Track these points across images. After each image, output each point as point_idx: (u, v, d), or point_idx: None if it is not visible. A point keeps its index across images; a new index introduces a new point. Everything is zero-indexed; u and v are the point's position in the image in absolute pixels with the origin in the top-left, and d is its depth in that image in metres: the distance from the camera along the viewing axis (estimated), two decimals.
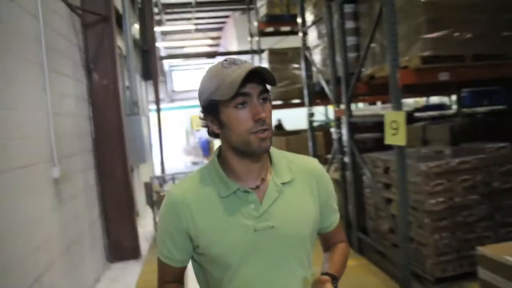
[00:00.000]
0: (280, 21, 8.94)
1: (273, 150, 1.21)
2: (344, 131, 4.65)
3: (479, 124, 5.21)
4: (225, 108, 1.08)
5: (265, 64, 8.60)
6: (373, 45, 4.00)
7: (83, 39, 4.75)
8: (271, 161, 1.20)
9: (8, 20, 2.85)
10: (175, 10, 12.76)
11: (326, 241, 1.35)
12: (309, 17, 5.69)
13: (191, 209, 1.13)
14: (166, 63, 20.23)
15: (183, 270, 1.23)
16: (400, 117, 3.28)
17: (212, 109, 1.11)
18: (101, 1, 4.92)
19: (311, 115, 5.79)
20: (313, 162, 1.28)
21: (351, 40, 4.53)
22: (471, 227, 3.58)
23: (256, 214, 1.12)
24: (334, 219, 1.32)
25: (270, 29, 9.51)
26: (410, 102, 12.44)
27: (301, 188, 1.20)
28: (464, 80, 4.00)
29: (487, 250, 2.94)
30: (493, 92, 6.79)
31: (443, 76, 3.43)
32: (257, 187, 1.15)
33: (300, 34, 5.78)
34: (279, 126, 11.36)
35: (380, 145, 4.17)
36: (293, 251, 1.17)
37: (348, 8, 4.55)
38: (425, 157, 3.81)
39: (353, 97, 4.43)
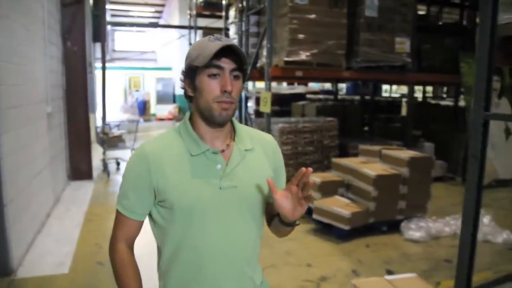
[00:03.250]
0: (215, 7, 10.86)
1: (236, 123, 1.33)
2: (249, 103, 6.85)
3: (333, 106, 7.69)
4: (200, 75, 1.20)
5: None
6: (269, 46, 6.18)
7: (61, 15, 6.47)
8: (234, 131, 1.32)
9: (29, 11, 4.64)
10: None
11: (273, 211, 1.38)
12: (232, 15, 7.75)
13: (163, 163, 1.22)
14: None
15: (138, 226, 1.30)
16: (268, 95, 5.49)
17: (190, 74, 1.23)
18: None
19: None
20: (269, 137, 1.43)
21: (254, 40, 6.68)
22: (307, 166, 5.93)
23: (222, 174, 1.23)
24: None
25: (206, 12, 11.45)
26: (315, 85, 15.11)
27: (260, 156, 1.33)
28: (312, 77, 6.30)
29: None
30: (364, 85, 9.30)
31: (298, 73, 5.69)
32: (223, 151, 1.27)
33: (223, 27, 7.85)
34: None
35: (278, 113, 6.38)
36: (251, 210, 1.29)
37: (254, 17, 6.68)
38: (287, 122, 6.11)
39: (249, 79, 6.61)
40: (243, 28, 6.66)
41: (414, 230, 4.63)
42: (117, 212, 1.29)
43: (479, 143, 2.33)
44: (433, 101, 11.79)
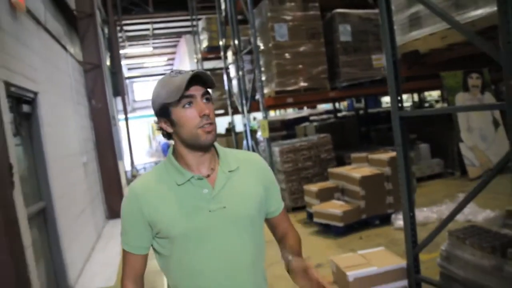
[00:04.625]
0: (217, 50, 11.93)
1: (218, 146, 1.41)
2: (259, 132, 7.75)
3: (331, 123, 8.49)
4: (175, 109, 1.27)
5: None
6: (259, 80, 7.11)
7: (85, 79, 7.60)
8: (218, 155, 1.39)
9: (60, 81, 5.71)
10: (136, 40, 15.58)
11: (275, 227, 1.54)
12: (230, 57, 8.77)
13: (151, 197, 1.31)
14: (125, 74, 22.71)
15: (142, 260, 1.39)
16: (265, 122, 6.37)
17: (164, 112, 1.30)
18: (95, 54, 7.79)
19: (230, 123, 8.91)
20: (256, 155, 1.51)
21: (250, 76, 7.63)
22: (309, 179, 6.74)
23: (209, 197, 1.31)
24: (279, 206, 1.52)
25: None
26: (326, 106, 15.95)
27: (246, 174, 1.40)
28: (302, 101, 7.17)
29: (306, 187, 6.09)
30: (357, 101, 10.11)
31: (289, 100, 6.57)
32: (208, 175, 1.34)
33: (224, 68, 8.88)
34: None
35: (284, 137, 7.27)
36: (244, 228, 1.34)
37: (248, 56, 7.65)
38: (286, 143, 6.95)
39: (250, 111, 7.53)
40: (240, 67, 7.64)
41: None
42: (123, 250, 1.40)
43: (399, 134, 3.14)
44: (438, 105, 12.40)
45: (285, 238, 1.51)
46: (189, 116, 1.28)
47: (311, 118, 10.81)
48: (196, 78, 1.27)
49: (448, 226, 4.84)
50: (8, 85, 3.30)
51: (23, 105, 3.93)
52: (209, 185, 1.33)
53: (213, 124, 1.30)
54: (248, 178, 1.40)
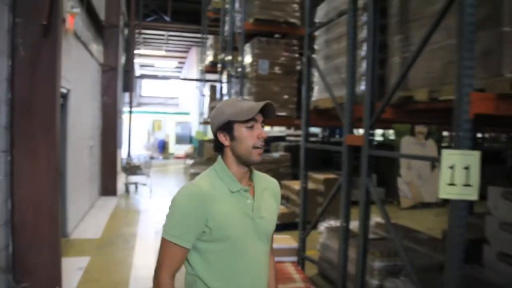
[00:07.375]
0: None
1: (252, 167, 1.64)
2: None
3: (298, 145, 10.11)
4: (240, 127, 1.51)
5: (207, 92, 13.36)
6: None
7: (101, 78, 9.25)
8: (251, 173, 1.63)
9: (85, 80, 7.33)
10: (151, 42, 17.27)
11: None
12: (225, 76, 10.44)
13: (214, 199, 1.51)
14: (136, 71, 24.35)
15: (185, 254, 1.53)
16: None
17: (227, 127, 1.53)
18: (114, 58, 9.46)
19: None
20: (275, 181, 1.79)
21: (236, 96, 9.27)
22: None
23: (251, 207, 1.57)
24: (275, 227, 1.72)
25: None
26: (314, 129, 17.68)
27: (271, 194, 1.70)
28: (272, 124, 8.79)
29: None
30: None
31: None
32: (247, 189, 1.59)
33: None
34: None
35: None
36: (267, 238, 1.65)
37: (237, 80, 9.31)
38: None
39: None
40: (230, 88, 9.30)
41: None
42: (166, 242, 1.50)
43: (304, 161, 4.74)
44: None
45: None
46: (250, 135, 1.52)
47: (288, 138, 12.42)
48: (264, 108, 1.52)
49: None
50: None
51: (60, 98, 5.57)
52: (251, 197, 1.59)
53: (263, 148, 1.57)
54: (272, 197, 1.70)
